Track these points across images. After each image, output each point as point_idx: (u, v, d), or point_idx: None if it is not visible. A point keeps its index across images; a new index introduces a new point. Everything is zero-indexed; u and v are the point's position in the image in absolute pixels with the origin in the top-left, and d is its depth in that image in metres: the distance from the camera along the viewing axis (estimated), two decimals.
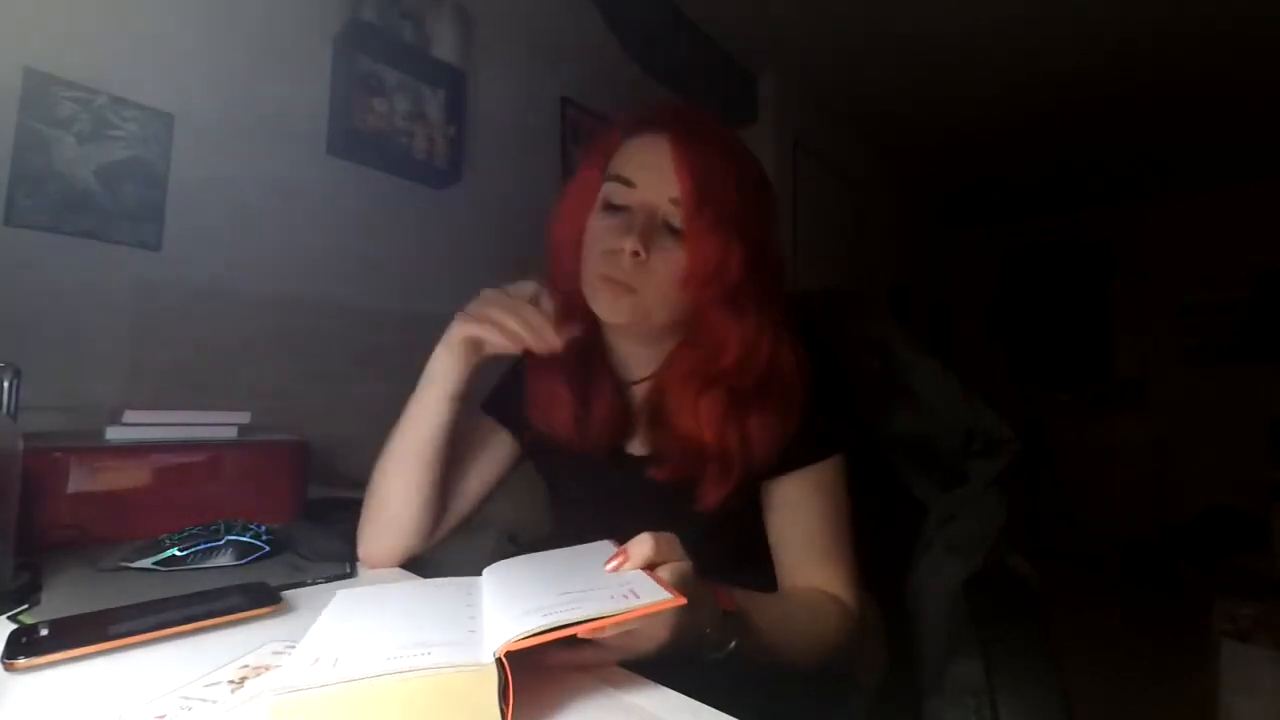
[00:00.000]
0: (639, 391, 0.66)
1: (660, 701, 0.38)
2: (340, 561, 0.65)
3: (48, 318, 1.06)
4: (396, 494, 0.62)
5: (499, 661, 0.33)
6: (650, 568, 0.42)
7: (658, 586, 0.38)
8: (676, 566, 0.42)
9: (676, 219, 0.56)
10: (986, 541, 0.67)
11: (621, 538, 0.45)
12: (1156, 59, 2.54)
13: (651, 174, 0.56)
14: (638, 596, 0.37)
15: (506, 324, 0.55)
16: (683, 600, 0.37)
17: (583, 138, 2.03)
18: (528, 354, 0.69)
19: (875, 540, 0.67)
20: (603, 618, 0.35)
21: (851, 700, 0.68)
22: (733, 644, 0.46)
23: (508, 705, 0.33)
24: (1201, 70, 2.61)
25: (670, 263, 0.56)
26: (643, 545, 0.42)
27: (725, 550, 0.62)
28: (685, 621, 0.42)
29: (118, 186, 1.14)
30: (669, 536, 0.44)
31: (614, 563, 0.42)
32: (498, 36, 1.80)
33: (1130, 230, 4.17)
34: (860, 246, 3.27)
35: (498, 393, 0.73)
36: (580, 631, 0.35)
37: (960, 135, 3.29)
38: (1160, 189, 3.92)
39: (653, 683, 0.40)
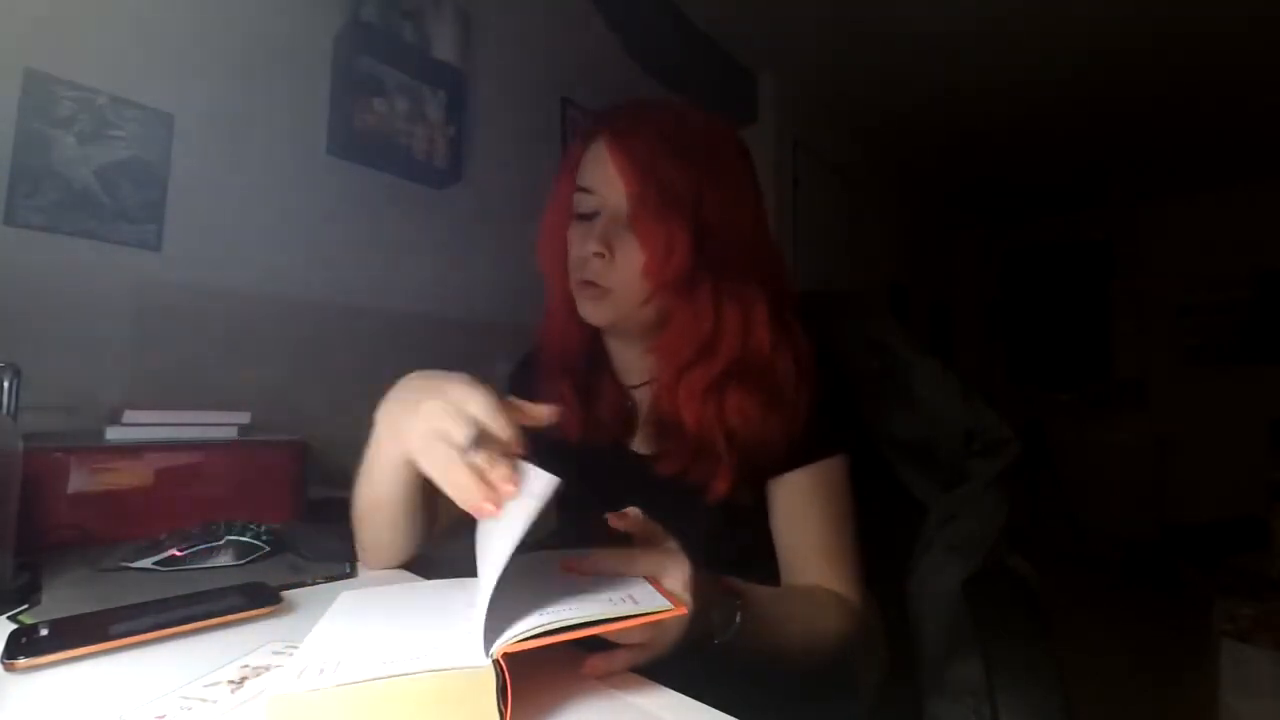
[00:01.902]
0: (640, 395, 0.67)
1: (660, 701, 0.38)
2: (340, 561, 0.65)
3: (48, 318, 1.05)
4: (379, 536, 0.58)
5: (496, 663, 0.33)
6: (649, 573, 0.42)
7: (656, 593, 0.39)
8: (679, 567, 0.43)
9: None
10: (986, 541, 0.67)
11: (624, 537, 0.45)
12: (1156, 59, 2.54)
13: (603, 177, 0.58)
14: (636, 602, 0.37)
15: (455, 480, 0.39)
16: (682, 610, 0.37)
17: None
18: (535, 355, 0.70)
19: (875, 540, 0.67)
20: (601, 621, 0.35)
21: (852, 700, 0.68)
22: (738, 618, 0.46)
23: (506, 706, 0.33)
24: (1201, 70, 2.61)
25: (633, 257, 0.57)
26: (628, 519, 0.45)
27: (731, 550, 0.62)
28: (696, 608, 0.42)
29: (118, 186, 1.14)
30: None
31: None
32: (498, 36, 1.80)
33: (1130, 230, 4.17)
34: (860, 247, 3.27)
35: (505, 386, 0.73)
36: (577, 636, 0.35)
37: (960, 135, 3.29)
38: (1160, 189, 3.92)
39: (653, 682, 0.40)
